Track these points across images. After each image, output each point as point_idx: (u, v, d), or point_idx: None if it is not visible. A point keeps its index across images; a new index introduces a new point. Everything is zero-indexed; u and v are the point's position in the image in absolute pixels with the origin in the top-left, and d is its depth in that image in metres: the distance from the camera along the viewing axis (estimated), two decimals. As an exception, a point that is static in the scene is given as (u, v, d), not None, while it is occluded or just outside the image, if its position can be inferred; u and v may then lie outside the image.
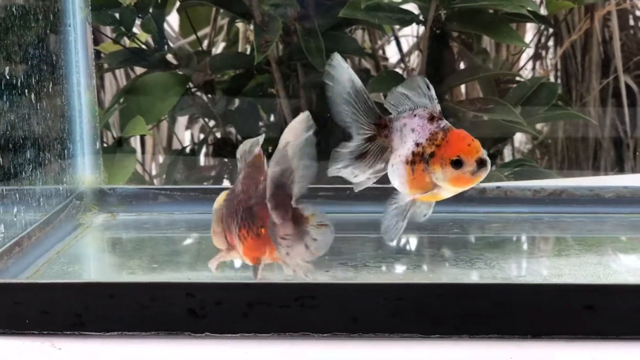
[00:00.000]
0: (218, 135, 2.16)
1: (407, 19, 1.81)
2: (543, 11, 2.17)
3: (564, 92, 3.56)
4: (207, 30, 2.38)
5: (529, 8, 1.74)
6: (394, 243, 1.13)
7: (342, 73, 1.09)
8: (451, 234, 1.28)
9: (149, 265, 1.15)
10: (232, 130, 2.16)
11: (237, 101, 2.11)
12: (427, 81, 1.09)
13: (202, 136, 2.29)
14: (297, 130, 0.99)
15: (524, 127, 1.78)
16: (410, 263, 1.16)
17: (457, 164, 1.03)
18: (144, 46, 1.97)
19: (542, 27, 2.43)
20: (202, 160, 2.27)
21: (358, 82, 1.10)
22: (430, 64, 1.86)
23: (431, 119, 1.06)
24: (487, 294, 0.97)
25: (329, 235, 1.01)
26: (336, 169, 1.13)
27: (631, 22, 3.76)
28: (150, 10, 1.89)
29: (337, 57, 1.10)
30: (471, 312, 0.96)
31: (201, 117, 2.10)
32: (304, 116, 0.99)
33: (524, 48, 2.13)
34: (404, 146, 1.08)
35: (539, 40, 3.64)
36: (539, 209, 1.34)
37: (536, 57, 3.69)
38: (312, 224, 1.00)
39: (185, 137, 2.49)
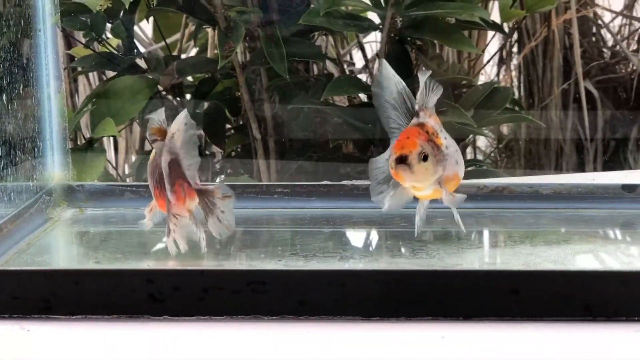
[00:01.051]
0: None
1: (364, 26, 1.90)
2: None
3: (525, 97, 3.68)
4: (178, 35, 2.46)
5: (481, 16, 1.84)
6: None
7: (390, 79, 1.13)
8: (399, 227, 1.36)
9: (114, 255, 1.23)
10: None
11: (205, 104, 2.19)
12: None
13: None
14: (181, 125, 1.11)
15: (476, 130, 1.87)
16: (360, 254, 1.24)
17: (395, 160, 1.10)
18: (114, 51, 2.04)
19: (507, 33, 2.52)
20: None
21: (403, 87, 1.14)
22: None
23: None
24: (422, 279, 1.06)
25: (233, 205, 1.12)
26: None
27: (593, 29, 3.88)
28: (120, 16, 1.97)
29: (384, 64, 1.14)
30: (408, 297, 1.05)
31: (170, 119, 2.17)
32: (185, 114, 1.12)
33: (479, 53, 2.21)
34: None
35: (504, 45, 3.76)
36: (482, 205, 1.43)
37: (501, 62, 3.80)
38: (217, 196, 1.12)
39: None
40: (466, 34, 2.04)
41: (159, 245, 1.24)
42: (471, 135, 2.17)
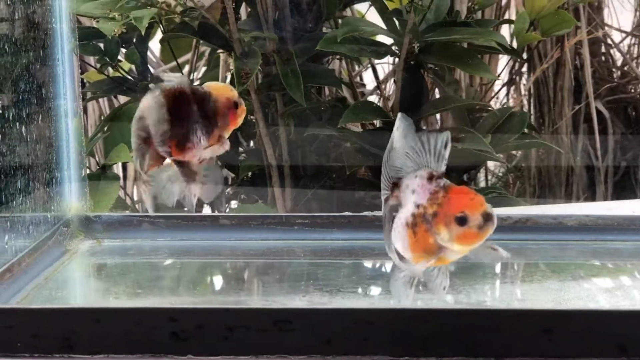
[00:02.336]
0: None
1: (381, 51, 1.88)
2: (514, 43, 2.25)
3: (536, 118, 3.66)
4: (188, 56, 2.45)
5: (498, 41, 1.82)
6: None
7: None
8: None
9: (134, 290, 1.20)
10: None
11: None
12: (446, 139, 1.03)
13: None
14: (152, 104, 1.10)
15: (493, 156, 1.85)
16: (383, 288, 1.22)
17: (462, 220, 1.00)
18: (127, 75, 2.03)
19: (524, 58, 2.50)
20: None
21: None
22: (405, 94, 1.93)
23: (430, 178, 1.03)
24: (451, 318, 1.03)
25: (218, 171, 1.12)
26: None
27: (602, 49, 3.86)
28: (134, 41, 1.95)
29: (401, 118, 1.03)
30: (437, 335, 1.03)
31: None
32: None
33: (496, 79, 2.20)
34: (404, 209, 1.04)
35: (513, 67, 3.74)
36: (506, 237, 1.41)
37: (510, 84, 3.79)
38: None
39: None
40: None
41: (179, 280, 1.22)
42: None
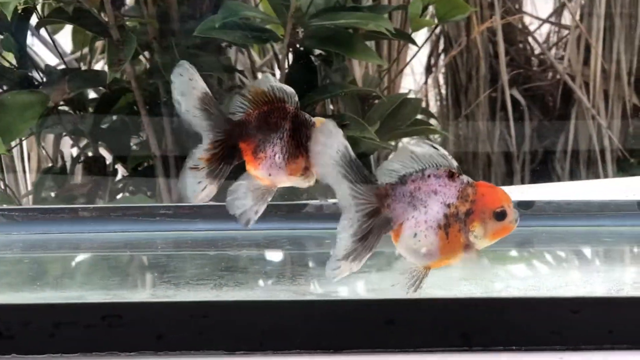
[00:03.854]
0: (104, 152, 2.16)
1: (264, 37, 1.83)
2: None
3: (453, 105, 3.64)
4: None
5: (383, 26, 1.78)
6: None
7: (332, 143, 0.97)
8: (285, 250, 1.30)
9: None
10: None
11: (110, 119, 2.11)
12: (433, 143, 1.00)
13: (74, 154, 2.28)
14: None
15: (380, 144, 1.81)
16: (235, 280, 1.17)
17: (502, 215, 0.99)
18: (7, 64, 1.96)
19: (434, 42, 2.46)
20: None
21: (349, 149, 0.98)
22: (292, 81, 1.88)
23: (451, 175, 0.99)
24: (292, 309, 0.99)
25: None
26: (338, 265, 1.00)
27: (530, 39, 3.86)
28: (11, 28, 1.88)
29: (327, 125, 0.97)
30: (275, 329, 0.98)
31: (69, 135, 2.09)
32: None
33: (384, 65, 2.16)
34: (426, 211, 0.99)
35: (431, 54, 3.72)
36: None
37: (428, 72, 3.77)
38: None
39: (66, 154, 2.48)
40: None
41: (21, 275, 1.17)
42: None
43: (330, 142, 0.97)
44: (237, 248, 1.30)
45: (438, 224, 0.98)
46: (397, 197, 0.99)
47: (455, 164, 0.99)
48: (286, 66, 1.94)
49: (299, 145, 1.13)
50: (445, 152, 0.99)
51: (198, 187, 1.11)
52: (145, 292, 1.10)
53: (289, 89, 1.14)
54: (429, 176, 0.99)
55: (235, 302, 1.02)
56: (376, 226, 0.99)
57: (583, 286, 1.10)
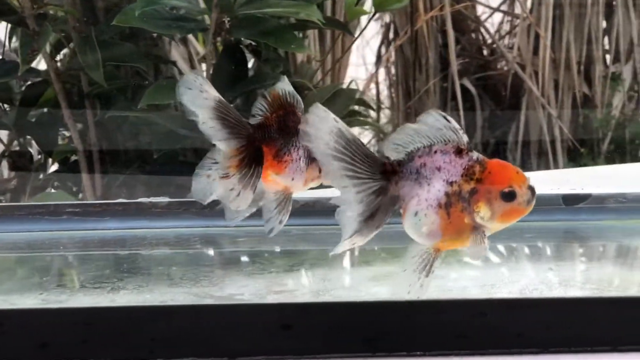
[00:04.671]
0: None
1: (189, 27, 1.77)
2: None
3: (404, 95, 3.60)
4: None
5: (312, 15, 1.72)
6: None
7: (322, 127, 0.92)
8: (194, 249, 1.24)
9: None
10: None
11: (38, 112, 2.04)
12: (444, 114, 0.93)
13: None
14: None
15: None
16: (135, 283, 1.11)
17: (510, 195, 0.90)
18: None
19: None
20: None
21: (345, 130, 0.92)
22: (221, 71, 1.83)
23: (459, 152, 0.92)
24: (183, 314, 0.94)
25: None
26: (347, 242, 0.94)
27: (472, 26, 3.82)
28: None
29: (315, 110, 0.92)
30: (165, 335, 0.93)
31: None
32: None
33: (311, 54, 2.11)
34: (428, 189, 0.92)
35: (381, 43, 3.67)
36: (293, 222, 1.32)
37: (378, 61, 3.73)
38: None
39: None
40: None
41: None
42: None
43: (322, 126, 0.91)
44: (145, 247, 1.24)
45: (438, 203, 0.92)
46: (405, 175, 0.93)
47: (465, 139, 0.92)
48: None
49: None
50: (457, 126, 0.92)
51: (232, 194, 1.07)
52: (35, 298, 1.04)
53: (297, 95, 1.11)
54: (435, 152, 0.92)
55: (123, 308, 0.96)
56: (384, 204, 0.93)
57: (491, 287, 1.06)
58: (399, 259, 1.18)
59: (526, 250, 1.20)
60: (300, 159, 1.10)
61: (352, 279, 1.11)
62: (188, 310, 0.95)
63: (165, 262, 1.18)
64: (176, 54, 2.46)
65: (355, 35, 2.30)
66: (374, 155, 0.93)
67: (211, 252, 1.24)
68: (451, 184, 0.91)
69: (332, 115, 0.92)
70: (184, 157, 1.87)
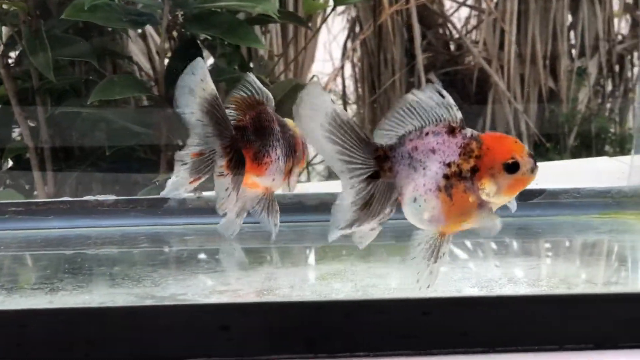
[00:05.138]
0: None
1: (140, 20, 1.73)
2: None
3: (369, 90, 3.57)
4: None
5: (266, 9, 1.70)
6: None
7: (317, 107, 0.89)
8: (140, 248, 1.21)
9: None
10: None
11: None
12: (439, 88, 0.90)
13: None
14: None
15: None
16: (75, 284, 1.08)
17: (513, 167, 0.87)
18: None
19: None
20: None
21: (341, 112, 0.90)
22: (176, 66, 1.80)
23: (451, 131, 0.89)
24: (115, 317, 0.91)
25: None
26: (339, 230, 0.92)
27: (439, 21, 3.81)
28: None
29: (312, 89, 0.90)
30: (100, 337, 0.90)
31: None
32: None
33: (266, 49, 2.09)
34: (424, 173, 0.89)
35: (347, 38, 3.65)
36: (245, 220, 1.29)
37: (344, 56, 3.70)
38: None
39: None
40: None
41: None
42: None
43: (318, 105, 0.88)
44: (90, 247, 1.21)
45: (437, 186, 0.88)
46: (397, 160, 0.90)
47: (459, 116, 0.89)
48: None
49: (289, 147, 1.13)
50: (451, 102, 0.89)
51: (225, 194, 1.07)
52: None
53: (266, 91, 1.13)
54: (427, 134, 0.89)
55: (58, 310, 0.93)
56: (378, 192, 0.90)
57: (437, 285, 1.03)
58: (351, 258, 1.16)
59: (475, 247, 1.18)
60: (279, 158, 1.11)
61: (299, 278, 1.09)
62: (124, 311, 0.93)
63: (109, 262, 1.15)
64: (135, 48, 2.43)
65: (318, 30, 2.27)
66: (368, 140, 0.90)
67: (157, 251, 1.21)
68: (449, 165, 0.88)
69: (329, 96, 0.90)
70: (137, 153, 1.84)
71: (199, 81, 1.06)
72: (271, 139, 1.11)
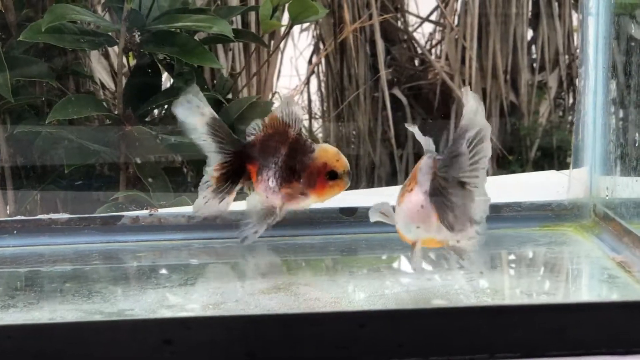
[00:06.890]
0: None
1: (97, 41, 1.76)
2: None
3: (334, 105, 3.61)
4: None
5: (221, 30, 1.73)
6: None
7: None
8: (92, 264, 1.24)
9: None
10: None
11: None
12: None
13: None
14: None
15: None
16: (26, 300, 1.11)
17: None
18: None
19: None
20: None
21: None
22: (133, 86, 1.83)
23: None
24: (61, 332, 0.94)
25: None
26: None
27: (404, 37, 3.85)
28: None
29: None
30: (44, 354, 0.93)
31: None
32: None
33: (222, 68, 2.12)
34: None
35: (312, 56, 3.69)
36: (193, 235, 1.33)
37: (312, 72, 3.74)
38: None
39: None
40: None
41: None
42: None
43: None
44: (44, 264, 1.24)
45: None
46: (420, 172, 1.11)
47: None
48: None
49: (293, 171, 1.22)
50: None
51: (201, 202, 1.24)
52: None
53: (297, 113, 1.22)
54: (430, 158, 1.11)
55: (5, 326, 0.95)
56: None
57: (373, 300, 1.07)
58: (299, 271, 1.20)
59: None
60: (269, 179, 1.22)
61: (245, 292, 1.12)
62: (69, 327, 0.95)
63: (61, 279, 1.18)
64: (99, 67, 2.46)
65: (277, 47, 2.31)
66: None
67: (109, 267, 1.24)
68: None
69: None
70: (95, 171, 1.87)
71: (195, 108, 1.22)
72: (270, 160, 1.22)
